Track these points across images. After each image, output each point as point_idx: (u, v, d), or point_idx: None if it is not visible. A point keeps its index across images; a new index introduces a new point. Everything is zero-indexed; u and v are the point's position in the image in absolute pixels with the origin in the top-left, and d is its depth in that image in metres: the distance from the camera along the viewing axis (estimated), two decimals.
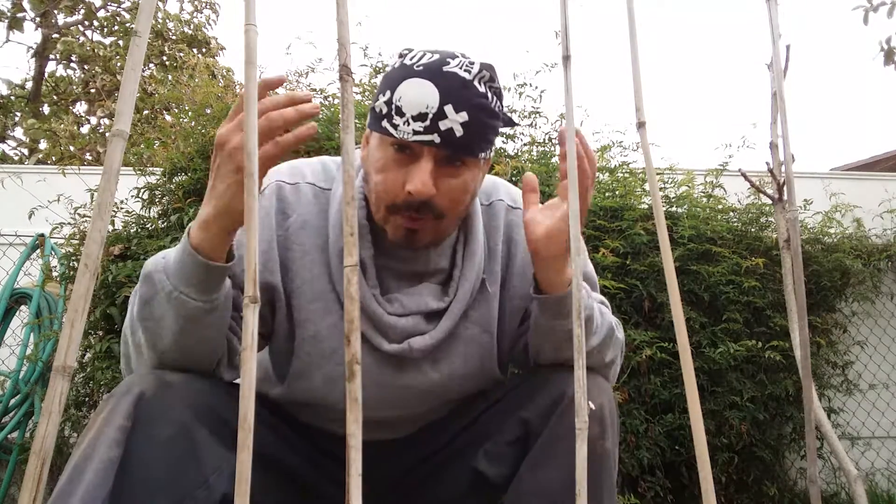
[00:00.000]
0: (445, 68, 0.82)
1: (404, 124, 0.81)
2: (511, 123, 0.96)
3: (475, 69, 0.83)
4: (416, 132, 0.81)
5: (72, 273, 2.36)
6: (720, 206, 2.78)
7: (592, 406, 0.86)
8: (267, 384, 0.97)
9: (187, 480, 0.75)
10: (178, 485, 0.75)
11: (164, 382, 0.79)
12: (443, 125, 0.80)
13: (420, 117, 0.80)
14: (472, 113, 0.82)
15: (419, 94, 0.81)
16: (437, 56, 0.84)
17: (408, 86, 0.82)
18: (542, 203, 0.90)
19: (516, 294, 0.98)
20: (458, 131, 0.81)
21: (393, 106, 0.82)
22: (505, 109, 0.93)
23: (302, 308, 0.90)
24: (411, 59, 0.85)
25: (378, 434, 0.98)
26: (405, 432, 1.01)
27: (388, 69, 0.89)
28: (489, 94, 0.84)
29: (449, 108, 0.81)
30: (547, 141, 2.68)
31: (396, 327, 0.90)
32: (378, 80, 2.60)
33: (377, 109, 0.85)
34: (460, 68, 0.83)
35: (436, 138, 0.81)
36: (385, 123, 0.83)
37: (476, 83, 0.83)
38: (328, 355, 0.90)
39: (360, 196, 0.91)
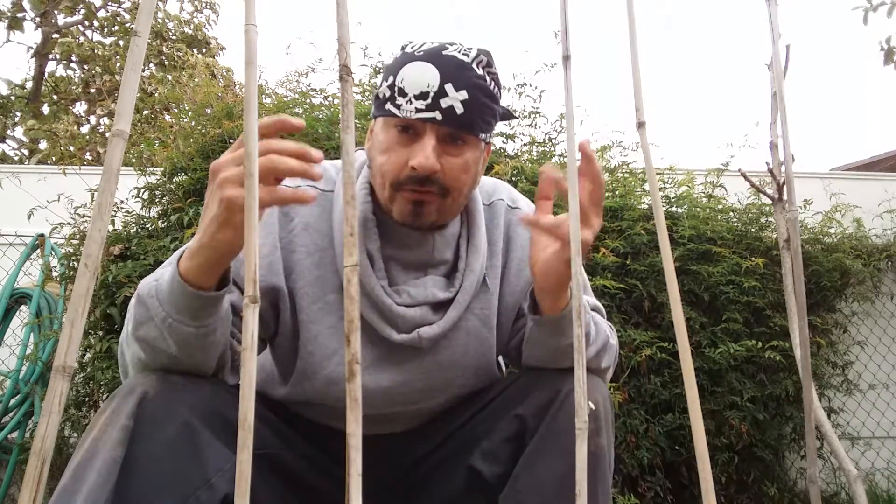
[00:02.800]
0: (444, 52, 0.87)
1: (407, 103, 0.85)
2: (510, 116, 0.99)
3: (473, 53, 0.87)
4: (418, 110, 0.84)
5: (72, 273, 2.36)
6: (720, 206, 2.78)
7: (593, 406, 0.86)
8: (271, 385, 0.98)
9: (190, 481, 0.75)
10: (180, 485, 0.75)
11: (168, 382, 0.79)
12: (444, 103, 0.84)
13: (422, 96, 0.84)
14: (471, 92, 0.85)
15: (420, 75, 0.85)
16: (436, 43, 0.89)
17: (409, 68, 0.86)
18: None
19: (513, 290, 1.00)
20: (459, 109, 0.85)
21: (396, 88, 0.86)
22: (504, 103, 0.95)
23: (304, 309, 0.91)
24: (412, 48, 0.89)
25: (380, 428, 0.98)
26: (407, 426, 1.01)
27: (390, 62, 0.92)
28: (487, 78, 0.88)
29: (449, 87, 0.84)
30: (547, 141, 2.69)
31: (405, 317, 0.91)
32: (378, 80, 2.60)
33: (380, 95, 0.89)
34: (458, 52, 0.87)
35: (437, 115, 0.84)
36: (388, 106, 0.86)
37: (474, 66, 0.87)
38: (329, 356, 0.91)
39: (367, 191, 0.94)
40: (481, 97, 0.87)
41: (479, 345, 0.97)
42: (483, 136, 0.90)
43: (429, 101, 0.84)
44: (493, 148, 2.63)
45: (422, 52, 0.87)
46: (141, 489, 0.72)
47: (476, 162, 0.91)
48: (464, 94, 0.85)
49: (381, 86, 0.90)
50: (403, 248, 0.94)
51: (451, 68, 0.85)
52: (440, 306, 0.94)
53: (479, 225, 0.98)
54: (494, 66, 0.90)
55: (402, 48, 0.91)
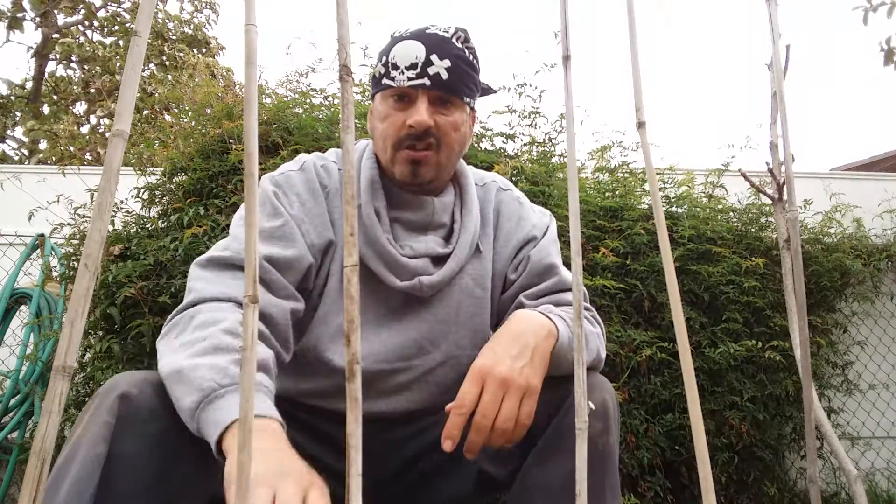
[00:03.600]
0: (428, 31, 1.01)
1: (399, 74, 0.98)
2: (490, 91, 1.13)
3: (451, 30, 1.01)
4: (409, 79, 0.97)
5: (72, 273, 2.36)
6: (720, 206, 2.78)
7: (592, 406, 0.86)
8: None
9: (174, 478, 0.75)
10: (165, 482, 0.74)
11: (150, 381, 0.78)
12: (431, 70, 0.97)
13: (412, 66, 0.98)
14: (453, 61, 0.99)
15: (409, 50, 0.99)
16: (420, 26, 1.03)
17: (399, 46, 1.00)
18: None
19: (501, 257, 1.10)
20: (444, 75, 0.98)
21: (389, 64, 0.99)
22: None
23: (336, 262, 1.01)
24: (399, 33, 1.03)
25: (381, 404, 1.01)
26: (408, 402, 1.02)
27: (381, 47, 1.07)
28: (465, 51, 1.02)
29: (434, 57, 0.98)
30: (547, 141, 2.68)
31: (408, 266, 1.00)
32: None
33: (376, 74, 1.02)
34: (439, 30, 1.01)
35: (426, 81, 0.97)
36: (384, 80, 1.00)
37: (454, 40, 1.00)
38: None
39: (373, 160, 1.05)
40: (462, 65, 1.00)
41: (472, 303, 1.06)
42: (467, 100, 1.03)
43: (418, 70, 0.97)
44: (492, 147, 2.63)
45: (408, 33, 1.01)
46: (125, 486, 0.71)
47: (463, 122, 1.03)
48: (447, 63, 0.98)
49: (376, 66, 1.03)
50: (406, 210, 1.04)
51: (435, 42, 0.99)
52: (439, 261, 1.04)
53: (471, 194, 1.09)
54: (471, 41, 1.03)
55: (392, 35, 1.04)
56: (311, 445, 0.96)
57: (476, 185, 1.12)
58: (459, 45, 1.01)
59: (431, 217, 1.05)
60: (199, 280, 0.89)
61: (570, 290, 1.08)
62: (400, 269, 1.00)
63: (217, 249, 0.93)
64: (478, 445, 0.81)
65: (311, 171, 1.03)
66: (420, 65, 0.97)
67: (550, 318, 0.91)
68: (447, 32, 1.01)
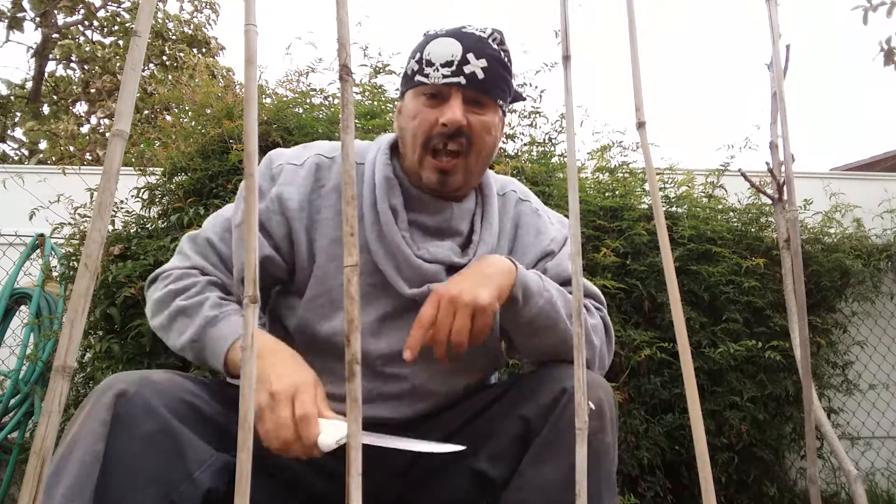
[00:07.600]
0: (464, 30, 0.99)
1: (434, 72, 0.96)
2: (520, 97, 1.11)
3: (488, 31, 1.00)
4: (444, 76, 0.96)
5: (72, 273, 2.36)
6: (720, 207, 2.78)
7: (592, 406, 0.86)
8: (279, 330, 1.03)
9: (171, 475, 0.77)
10: (162, 479, 0.76)
11: (146, 381, 0.81)
12: (467, 69, 0.96)
13: (447, 64, 0.96)
14: (489, 61, 0.97)
15: (445, 47, 0.97)
16: (455, 25, 1.01)
17: (434, 44, 0.98)
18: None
19: None
20: (480, 74, 0.96)
21: (423, 61, 0.97)
22: (516, 85, 1.07)
23: (322, 265, 0.98)
24: (434, 31, 1.01)
25: (382, 409, 0.99)
26: (406, 409, 1.00)
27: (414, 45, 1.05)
28: (501, 53, 1.00)
29: (471, 56, 0.96)
30: (547, 141, 2.69)
31: (420, 269, 0.98)
32: (378, 80, 2.61)
33: (408, 71, 1.00)
34: (476, 30, 0.99)
35: (462, 80, 0.95)
36: (418, 77, 0.98)
37: (490, 41, 0.99)
38: (337, 311, 0.97)
39: (387, 156, 1.02)
40: (498, 67, 0.98)
41: None
42: (500, 102, 1.00)
43: (453, 68, 0.95)
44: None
45: (444, 31, 0.99)
46: (123, 483, 0.74)
47: (495, 126, 1.01)
48: (483, 63, 0.96)
49: (408, 63, 1.01)
50: (423, 212, 1.02)
51: (472, 41, 0.97)
52: (453, 270, 1.00)
53: (492, 204, 1.07)
54: (506, 44, 1.01)
55: (425, 33, 1.02)
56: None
57: (497, 194, 1.10)
58: (495, 47, 0.99)
59: (449, 222, 1.02)
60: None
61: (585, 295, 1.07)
62: (412, 271, 0.97)
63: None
64: (441, 354, 0.89)
65: (310, 169, 1.01)
66: (456, 63, 0.95)
67: (515, 264, 0.94)
68: (483, 33, 0.99)
